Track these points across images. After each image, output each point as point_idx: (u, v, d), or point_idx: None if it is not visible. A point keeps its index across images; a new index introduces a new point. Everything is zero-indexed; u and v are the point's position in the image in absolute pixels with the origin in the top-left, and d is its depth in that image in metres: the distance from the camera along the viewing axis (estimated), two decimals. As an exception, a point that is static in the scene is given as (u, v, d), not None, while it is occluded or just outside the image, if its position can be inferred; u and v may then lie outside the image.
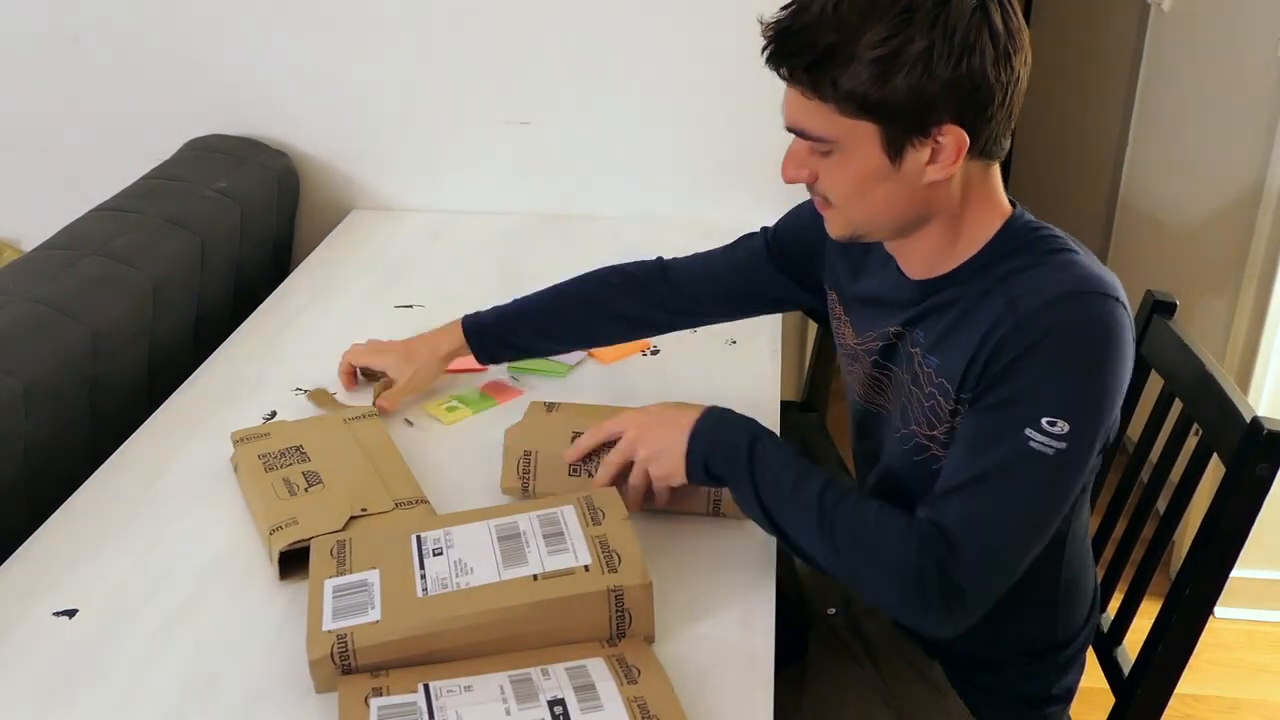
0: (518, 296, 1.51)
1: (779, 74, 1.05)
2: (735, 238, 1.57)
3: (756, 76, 2.22)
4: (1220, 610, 2.25)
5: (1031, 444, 1.01)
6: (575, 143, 2.21)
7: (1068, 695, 1.29)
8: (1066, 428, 1.01)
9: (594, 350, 1.67)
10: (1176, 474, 1.33)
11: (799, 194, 2.30)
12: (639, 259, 1.50)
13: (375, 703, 0.98)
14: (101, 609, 1.17)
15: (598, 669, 1.01)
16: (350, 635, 1.03)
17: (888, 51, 0.98)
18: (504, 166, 2.24)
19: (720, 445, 1.15)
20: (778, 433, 1.46)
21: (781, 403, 1.56)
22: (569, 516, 1.14)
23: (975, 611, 1.05)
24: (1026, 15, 1.09)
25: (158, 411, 1.55)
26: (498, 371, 1.63)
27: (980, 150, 1.05)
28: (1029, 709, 1.27)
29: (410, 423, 1.49)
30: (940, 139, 1.02)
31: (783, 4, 1.04)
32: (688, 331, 1.74)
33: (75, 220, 1.83)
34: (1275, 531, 1.97)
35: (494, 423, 1.49)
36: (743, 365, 1.65)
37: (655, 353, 1.68)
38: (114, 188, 1.95)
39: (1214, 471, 1.22)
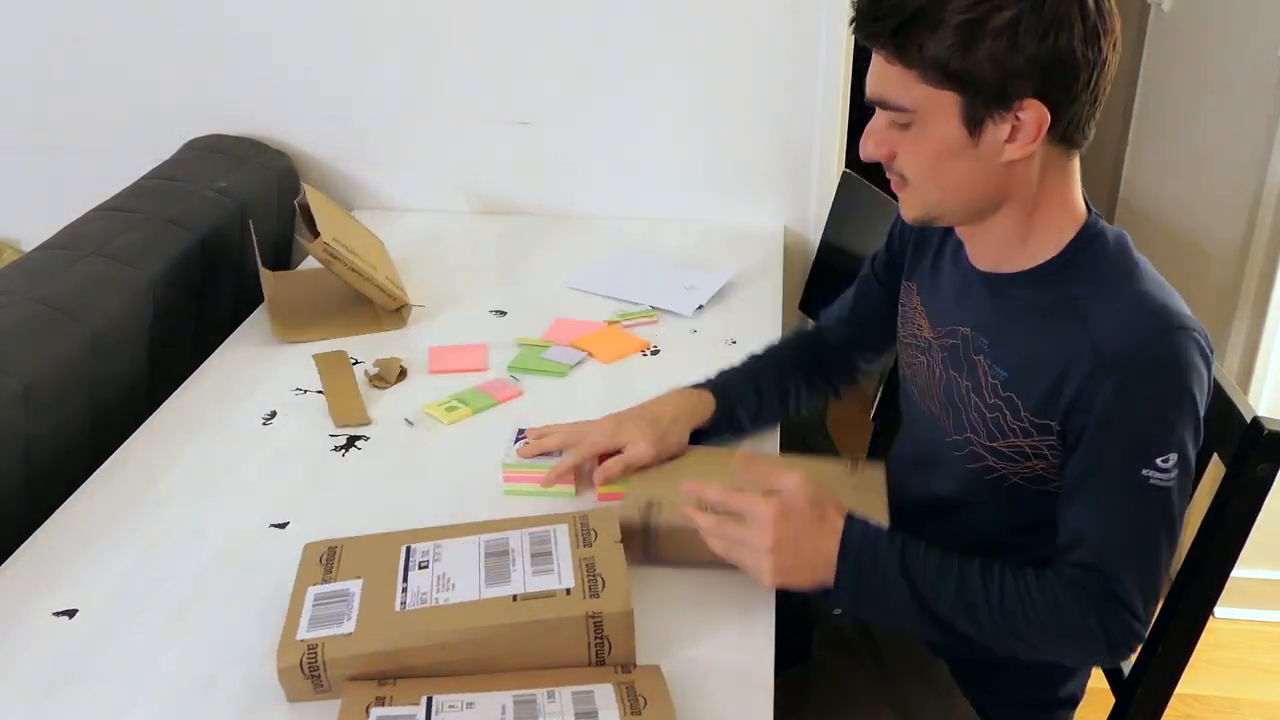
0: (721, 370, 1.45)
1: (866, 41, 1.05)
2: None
3: (758, 76, 2.22)
4: (1220, 610, 2.25)
5: (1152, 481, 1.04)
6: (575, 143, 2.21)
7: (1073, 701, 1.28)
8: (1175, 458, 1.03)
9: (593, 350, 1.67)
10: (1177, 474, 1.33)
11: (799, 194, 2.31)
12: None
13: (375, 712, 0.98)
14: (101, 609, 1.17)
15: (604, 696, 0.99)
16: (321, 646, 1.02)
17: (974, 18, 0.98)
18: (504, 166, 2.24)
19: (867, 581, 1.09)
20: (778, 432, 1.47)
21: (781, 403, 1.56)
22: (560, 536, 1.12)
23: (1143, 639, 1.10)
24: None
25: (158, 411, 1.55)
26: (497, 370, 1.63)
27: (1062, 134, 1.04)
28: (1034, 711, 1.27)
29: (410, 422, 1.49)
30: (1021, 115, 1.02)
31: None
32: (688, 331, 1.75)
33: (75, 220, 1.83)
34: (1275, 531, 1.96)
35: (494, 422, 1.49)
36: (743, 365, 1.65)
37: (655, 352, 1.68)
38: (114, 188, 1.96)
39: (1214, 471, 1.22)
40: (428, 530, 1.19)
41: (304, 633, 1.04)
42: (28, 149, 2.31)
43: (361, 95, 2.21)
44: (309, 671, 1.01)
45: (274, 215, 2.13)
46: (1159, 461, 1.03)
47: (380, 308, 1.78)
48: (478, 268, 2.01)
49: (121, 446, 1.46)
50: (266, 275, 1.79)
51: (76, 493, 1.37)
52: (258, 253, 1.81)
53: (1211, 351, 1.06)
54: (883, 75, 1.05)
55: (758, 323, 1.76)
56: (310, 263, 1.98)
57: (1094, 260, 1.09)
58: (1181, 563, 1.22)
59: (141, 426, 1.51)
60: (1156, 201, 2.61)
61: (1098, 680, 1.35)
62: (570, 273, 1.95)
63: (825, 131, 2.13)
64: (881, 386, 1.64)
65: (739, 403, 1.40)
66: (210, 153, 2.14)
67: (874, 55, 1.06)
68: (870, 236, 1.27)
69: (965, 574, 1.08)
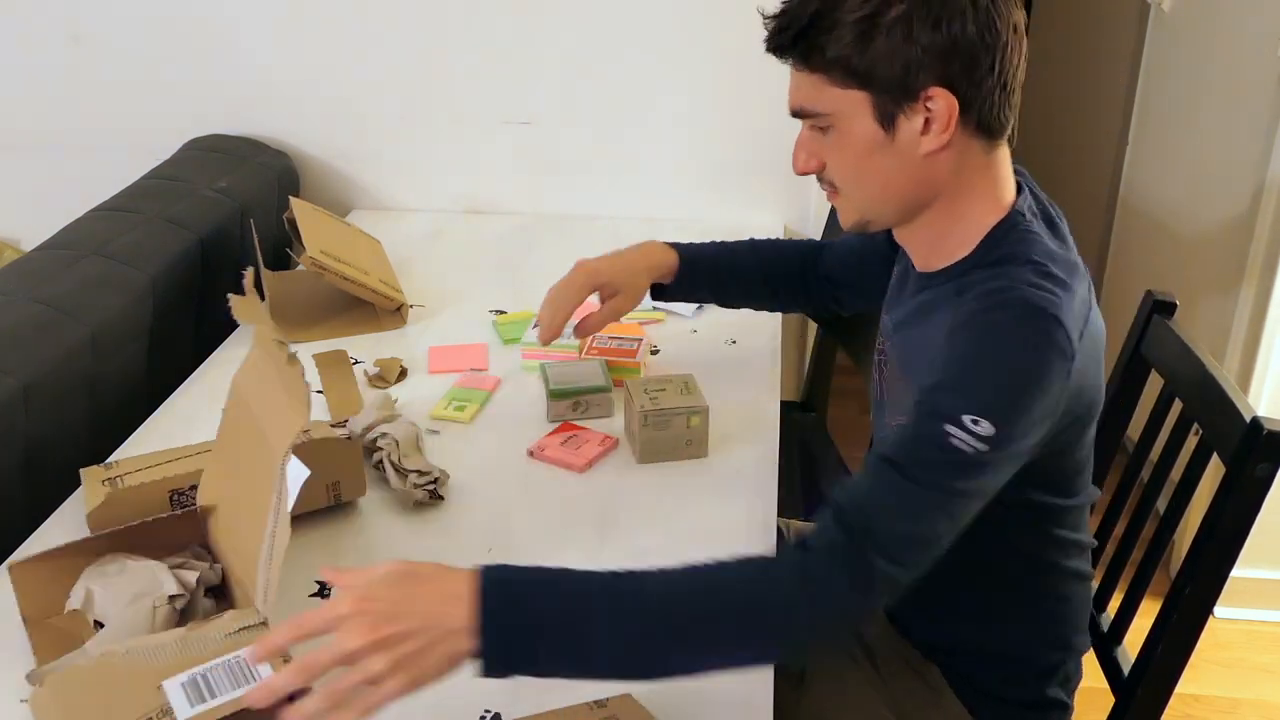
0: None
1: (776, 55, 1.09)
2: (735, 238, 1.57)
3: (757, 76, 2.21)
4: (1220, 610, 2.25)
5: (953, 440, 0.97)
6: (575, 143, 2.21)
7: (1063, 705, 1.27)
8: (990, 430, 0.96)
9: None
10: (1177, 474, 1.33)
11: (798, 194, 2.30)
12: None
13: None
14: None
15: None
16: None
17: (867, 13, 1.02)
18: (504, 166, 2.24)
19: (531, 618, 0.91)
20: (777, 432, 1.47)
21: (781, 403, 1.56)
22: None
23: (884, 592, 0.97)
24: (1027, 15, 1.09)
25: (158, 411, 1.55)
26: (495, 369, 1.63)
27: (977, 122, 1.06)
28: (1028, 712, 1.27)
29: (436, 431, 1.49)
30: (930, 105, 1.04)
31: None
32: (688, 331, 1.75)
33: (75, 220, 1.83)
34: (1275, 531, 1.96)
35: (505, 407, 1.53)
36: (743, 365, 1.65)
37: (655, 352, 1.68)
38: (114, 188, 1.96)
39: (1214, 471, 1.22)
40: None
41: None
42: (28, 149, 2.31)
43: (361, 95, 2.21)
44: None
45: (274, 215, 2.13)
46: (967, 420, 0.96)
47: (379, 308, 1.78)
48: (477, 268, 2.01)
49: (121, 446, 1.46)
50: (267, 275, 1.79)
51: (76, 492, 1.37)
52: (259, 253, 1.81)
53: (1073, 355, 1.00)
54: (798, 85, 1.09)
55: (757, 322, 1.75)
56: (310, 263, 1.98)
57: (1007, 250, 1.08)
58: (1182, 563, 1.22)
59: (141, 426, 1.51)
60: (1156, 201, 2.61)
61: (1098, 680, 1.35)
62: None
63: (825, 131, 2.13)
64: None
65: (701, 278, 1.52)
66: (210, 153, 2.14)
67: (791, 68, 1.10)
68: (870, 236, 1.31)
69: (684, 575, 0.96)
